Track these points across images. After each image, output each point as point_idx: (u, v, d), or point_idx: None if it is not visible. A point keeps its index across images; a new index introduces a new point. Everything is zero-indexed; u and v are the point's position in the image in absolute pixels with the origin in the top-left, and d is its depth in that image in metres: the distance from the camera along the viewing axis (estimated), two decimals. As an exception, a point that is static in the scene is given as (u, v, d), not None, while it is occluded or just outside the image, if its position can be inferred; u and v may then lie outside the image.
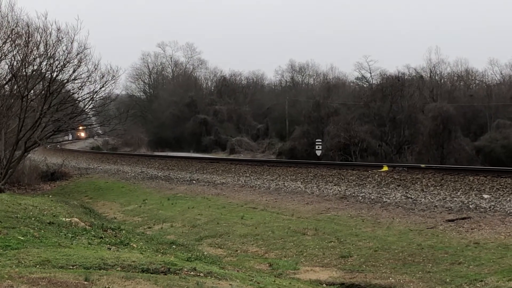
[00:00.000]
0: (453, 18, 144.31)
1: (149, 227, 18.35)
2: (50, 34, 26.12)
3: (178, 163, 35.15)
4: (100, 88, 28.48)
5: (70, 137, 55.00)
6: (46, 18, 39.65)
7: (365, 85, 75.10)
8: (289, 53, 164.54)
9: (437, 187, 18.67)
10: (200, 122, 75.82)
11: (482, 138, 54.14)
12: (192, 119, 76.20)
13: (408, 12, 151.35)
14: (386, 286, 10.38)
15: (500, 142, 50.62)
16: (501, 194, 16.60)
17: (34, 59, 26.47)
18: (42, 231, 11.40)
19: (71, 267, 7.80)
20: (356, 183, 21.38)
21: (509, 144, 49.97)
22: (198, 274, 8.28)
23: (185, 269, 8.42)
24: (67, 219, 14.21)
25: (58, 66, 26.56)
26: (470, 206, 15.78)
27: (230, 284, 7.64)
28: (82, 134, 58.25)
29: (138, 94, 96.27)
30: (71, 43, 26.31)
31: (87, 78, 27.91)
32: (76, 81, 28.26)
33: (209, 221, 17.93)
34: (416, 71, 70.73)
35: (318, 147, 46.25)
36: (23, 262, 7.96)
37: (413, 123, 54.14)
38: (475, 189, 17.59)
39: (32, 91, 27.06)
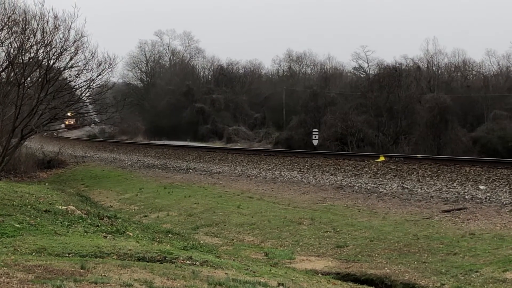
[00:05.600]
0: (451, 8, 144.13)
1: (145, 216, 18.37)
2: (47, 21, 25.97)
3: (175, 152, 35.13)
4: (97, 76, 28.37)
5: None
6: (43, 5, 39.43)
7: (362, 75, 74.92)
8: (287, 42, 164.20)
9: (434, 178, 18.69)
10: (197, 111, 75.67)
11: (478, 129, 54.29)
12: (189, 108, 76.06)
13: (406, 2, 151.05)
14: (382, 276, 10.42)
15: (497, 133, 50.76)
16: (497, 185, 16.61)
17: (31, 46, 26.33)
18: (38, 219, 11.40)
19: (67, 255, 7.81)
20: (353, 173, 21.39)
21: (506, 135, 50.10)
22: (194, 263, 8.29)
23: (181, 258, 8.44)
24: (63, 207, 14.21)
25: (55, 53, 26.43)
26: (466, 197, 15.81)
27: (226, 273, 7.65)
28: (67, 122, 57.66)
29: (135, 83, 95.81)
30: (68, 30, 26.17)
31: (84, 66, 27.80)
32: (73, 69, 28.15)
33: (205, 210, 17.96)
34: (413, 62, 70.74)
35: (315, 136, 46.07)
36: (19, 249, 7.96)
37: (410, 114, 54.15)
38: (471, 180, 17.60)
39: (28, 79, 26.95)
